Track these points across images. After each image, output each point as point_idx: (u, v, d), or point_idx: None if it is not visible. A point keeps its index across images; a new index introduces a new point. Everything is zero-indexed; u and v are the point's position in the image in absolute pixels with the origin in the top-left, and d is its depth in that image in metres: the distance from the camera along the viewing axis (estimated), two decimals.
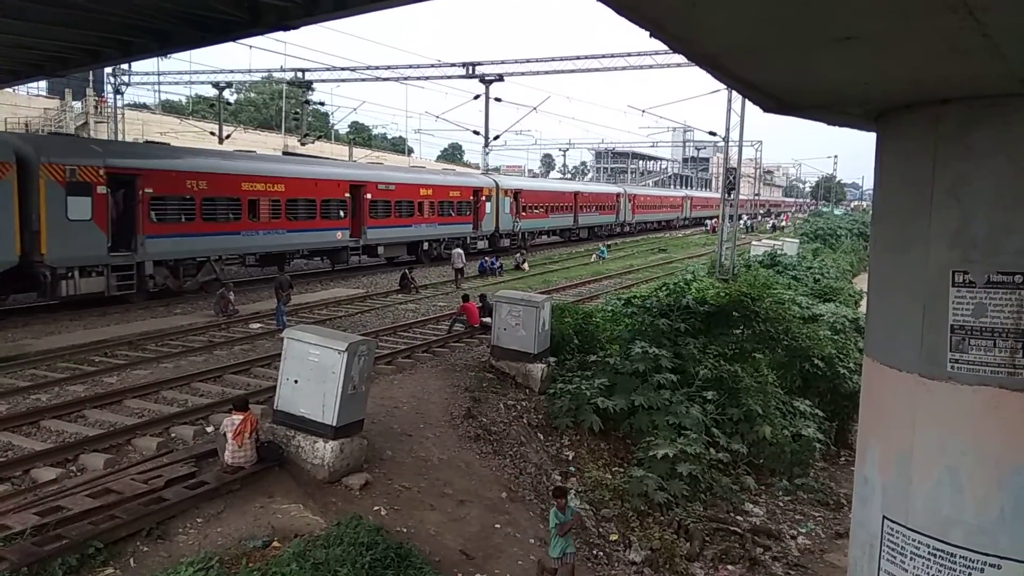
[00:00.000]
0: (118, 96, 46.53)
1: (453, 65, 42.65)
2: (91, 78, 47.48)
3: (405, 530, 8.76)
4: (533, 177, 76.87)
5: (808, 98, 4.79)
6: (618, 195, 59.63)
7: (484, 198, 38.67)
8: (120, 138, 42.63)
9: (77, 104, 48.47)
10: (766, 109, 5.07)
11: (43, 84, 46.08)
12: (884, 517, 4.49)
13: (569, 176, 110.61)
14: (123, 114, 47.66)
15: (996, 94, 3.91)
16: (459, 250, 30.46)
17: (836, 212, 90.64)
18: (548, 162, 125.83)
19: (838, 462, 15.47)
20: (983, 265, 4.00)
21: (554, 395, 13.55)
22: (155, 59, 41.76)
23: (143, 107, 60.76)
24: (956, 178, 4.12)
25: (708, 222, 72.08)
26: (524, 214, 43.22)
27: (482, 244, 39.06)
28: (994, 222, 4.00)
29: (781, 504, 12.91)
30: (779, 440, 13.56)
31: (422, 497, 9.69)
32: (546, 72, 41.60)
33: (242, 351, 16.07)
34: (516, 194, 42.27)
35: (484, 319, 17.64)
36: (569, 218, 50.15)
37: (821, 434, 14.64)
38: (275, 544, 7.80)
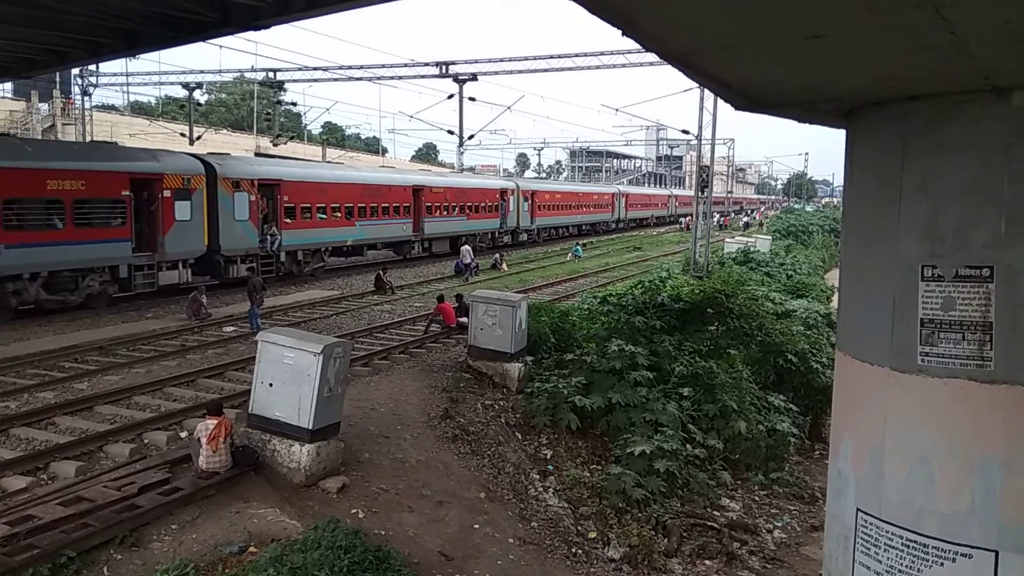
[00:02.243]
0: (86, 98, 45.93)
1: (426, 64, 42.55)
2: (58, 79, 46.72)
3: (383, 532, 8.71)
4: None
5: (779, 96, 4.83)
6: (505, 191, 43.14)
7: (167, 193, 21.75)
8: (89, 140, 41.98)
9: (44, 106, 47.69)
10: (738, 107, 5.11)
11: (8, 86, 45.28)
12: (858, 509, 4.55)
13: (544, 175, 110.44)
14: (91, 116, 47.02)
15: (963, 91, 3.97)
16: (467, 247, 32.05)
17: (807, 209, 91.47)
18: (523, 161, 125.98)
19: (812, 456, 15.64)
20: (951, 260, 4.07)
21: (531, 394, 13.57)
22: (123, 60, 41.22)
23: (111, 108, 59.90)
24: (925, 174, 4.18)
25: (682, 220, 72.01)
26: (292, 222, 26.82)
27: (175, 275, 22.24)
28: (962, 217, 4.06)
29: (757, 498, 13.03)
30: (754, 435, 13.68)
31: (400, 499, 9.65)
32: (520, 71, 41.67)
33: (215, 355, 15.90)
34: (273, 188, 26.12)
35: (460, 319, 17.60)
36: (405, 225, 33.87)
37: (795, 428, 14.80)
38: (251, 549, 7.73)
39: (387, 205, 32.69)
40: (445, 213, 37.28)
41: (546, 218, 49.51)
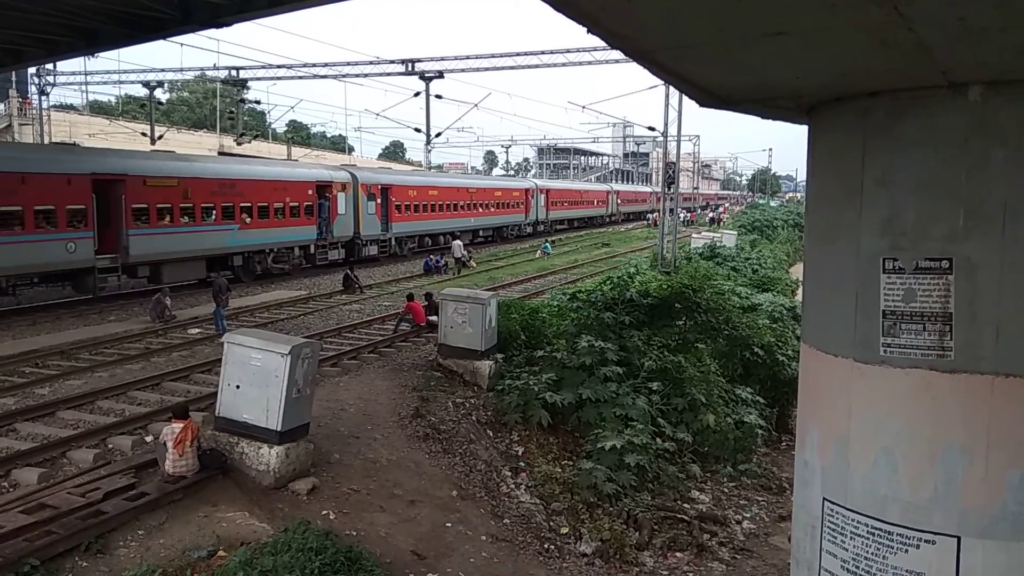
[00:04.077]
0: (43, 97, 44.94)
1: (392, 62, 42.31)
2: (14, 79, 45.65)
3: (355, 533, 8.67)
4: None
5: (742, 93, 4.88)
6: (329, 186, 30.65)
7: None
8: (46, 141, 41.10)
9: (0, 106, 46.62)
10: (702, 103, 5.15)
11: None
12: (824, 499, 4.62)
13: (511, 173, 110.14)
14: (49, 116, 46.02)
15: (922, 86, 4.05)
16: (458, 241, 32.44)
17: (772, 204, 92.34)
18: (491, 159, 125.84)
19: (779, 447, 15.86)
20: (912, 252, 4.14)
21: (502, 391, 13.58)
22: (82, 58, 40.36)
23: (70, 108, 58.67)
24: (885, 168, 4.25)
25: (650, 216, 72.05)
26: None
27: None
28: (921, 211, 4.14)
29: (726, 490, 13.18)
30: (723, 428, 13.84)
31: (371, 499, 9.61)
32: (486, 69, 41.54)
33: (181, 357, 15.68)
34: None
35: (430, 318, 17.56)
36: (74, 244, 20.57)
37: (763, 420, 15.00)
38: (220, 553, 7.64)
39: (16, 209, 19.36)
40: (186, 220, 24.06)
41: (411, 223, 36.87)
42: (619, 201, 73.61)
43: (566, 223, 59.67)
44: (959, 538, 4.09)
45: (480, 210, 44.64)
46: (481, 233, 45.54)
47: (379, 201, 34.08)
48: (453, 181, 46.09)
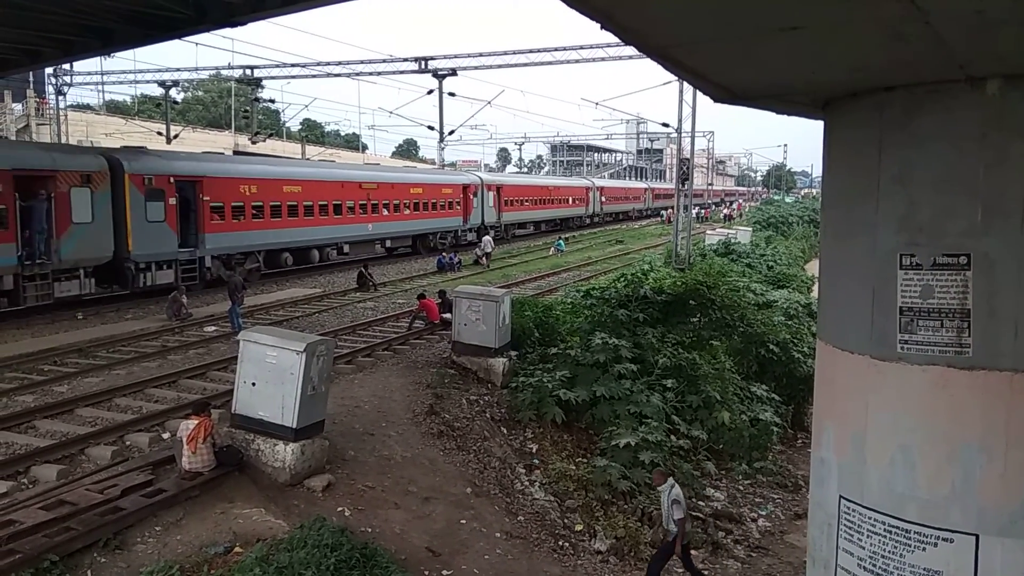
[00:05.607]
0: (60, 97, 45.35)
1: (405, 60, 42.37)
2: (31, 79, 46.07)
3: (370, 530, 8.70)
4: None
5: (757, 88, 4.85)
6: (51, 179, 18.43)
7: None
8: (63, 141, 41.47)
9: (17, 106, 47.05)
10: (716, 99, 5.13)
11: None
12: (841, 496, 4.59)
13: (525, 170, 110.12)
14: (66, 115, 46.43)
15: (938, 80, 4.01)
16: (488, 237, 33.13)
17: (787, 200, 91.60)
18: (504, 156, 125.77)
19: (795, 444, 15.78)
20: (929, 248, 4.11)
21: (516, 388, 13.58)
22: (98, 58, 40.67)
23: (87, 108, 59.17)
24: (901, 164, 4.22)
25: (664, 212, 71.40)
26: None
27: None
28: (938, 206, 4.10)
29: (741, 488, 13.13)
30: (738, 425, 13.78)
31: (386, 496, 9.64)
32: (499, 66, 41.47)
33: (197, 355, 15.78)
34: None
35: (444, 315, 17.58)
36: None
37: (778, 418, 14.92)
38: (237, 550, 7.70)
39: None
40: None
41: (246, 233, 25.45)
42: (603, 199, 63.17)
43: (530, 226, 49.46)
44: (977, 536, 4.06)
45: (385, 213, 32.93)
46: (388, 244, 34.11)
47: (174, 201, 22.35)
48: (336, 173, 31.85)
